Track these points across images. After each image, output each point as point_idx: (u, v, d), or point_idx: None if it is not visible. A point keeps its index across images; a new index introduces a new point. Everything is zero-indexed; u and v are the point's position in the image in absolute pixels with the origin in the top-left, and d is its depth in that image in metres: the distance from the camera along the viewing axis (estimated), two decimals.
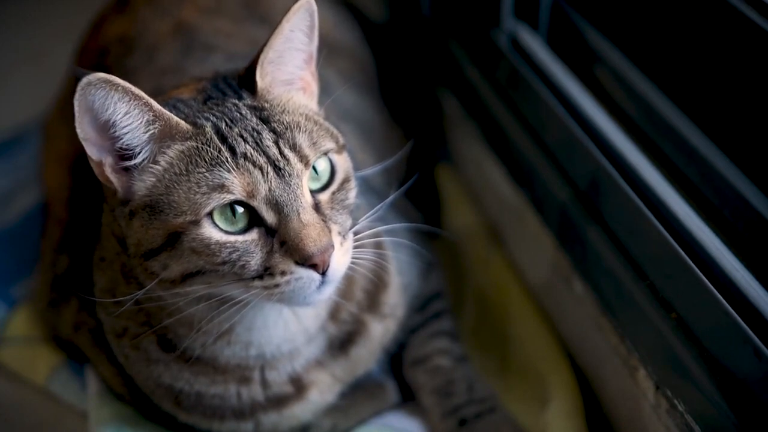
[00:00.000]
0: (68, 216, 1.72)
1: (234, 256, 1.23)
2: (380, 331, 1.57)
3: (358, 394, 1.62)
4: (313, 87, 1.39)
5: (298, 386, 1.50)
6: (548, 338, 1.73)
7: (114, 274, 1.41)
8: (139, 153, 1.25)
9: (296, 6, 1.29)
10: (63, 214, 1.74)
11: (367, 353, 1.56)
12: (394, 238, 1.57)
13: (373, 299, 1.55)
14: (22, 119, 2.36)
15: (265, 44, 1.30)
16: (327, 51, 1.94)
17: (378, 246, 1.50)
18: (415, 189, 1.77)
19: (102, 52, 1.84)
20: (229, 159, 1.22)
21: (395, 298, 1.59)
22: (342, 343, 1.53)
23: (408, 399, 1.68)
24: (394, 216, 1.61)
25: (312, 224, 1.23)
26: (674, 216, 1.44)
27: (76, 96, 1.18)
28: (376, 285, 1.55)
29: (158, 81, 1.64)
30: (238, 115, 1.27)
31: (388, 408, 1.66)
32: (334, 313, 1.50)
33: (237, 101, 1.30)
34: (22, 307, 1.86)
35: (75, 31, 2.01)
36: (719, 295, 1.31)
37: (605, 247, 1.53)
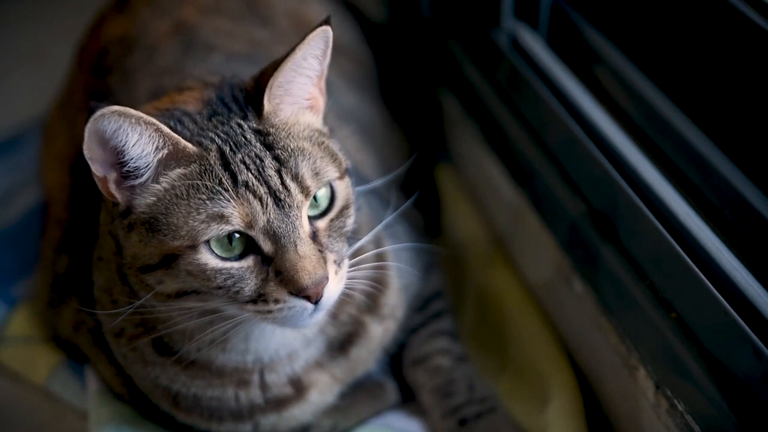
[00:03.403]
0: (68, 216, 1.72)
1: (229, 282, 1.24)
2: (380, 332, 1.57)
3: (358, 394, 1.62)
4: (320, 103, 1.37)
5: (298, 387, 1.50)
6: (548, 338, 1.73)
7: (111, 274, 1.41)
8: (145, 174, 1.25)
9: (312, 34, 1.27)
10: (63, 214, 1.74)
11: (367, 354, 1.56)
12: (394, 238, 1.57)
13: (372, 301, 1.55)
14: (22, 119, 2.36)
15: (276, 68, 1.27)
16: None
17: (379, 258, 1.49)
18: (415, 189, 1.77)
19: (102, 52, 1.83)
20: (230, 188, 1.22)
21: (395, 299, 1.59)
22: (341, 344, 1.52)
23: (408, 399, 1.68)
24: (394, 218, 1.61)
25: (308, 256, 1.23)
26: (674, 216, 1.44)
27: (88, 125, 1.17)
28: (376, 287, 1.55)
29: (158, 81, 1.63)
30: (243, 139, 1.26)
31: (388, 408, 1.66)
32: (333, 316, 1.50)
33: (242, 121, 1.28)
34: (22, 307, 1.86)
35: (75, 31, 2.01)
36: (719, 295, 1.31)
37: (605, 246, 1.53)
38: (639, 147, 1.58)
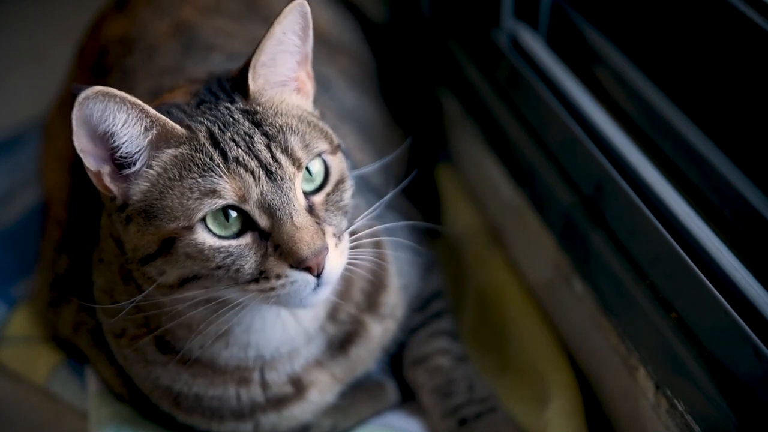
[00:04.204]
0: (68, 216, 1.73)
1: (228, 260, 1.23)
2: (379, 331, 1.57)
3: (358, 394, 1.62)
4: (308, 87, 1.38)
5: (298, 386, 1.50)
6: (548, 338, 1.73)
7: (112, 275, 1.42)
8: (138, 160, 1.25)
9: (288, 8, 1.28)
10: (63, 214, 1.75)
11: (367, 353, 1.56)
12: (394, 237, 1.57)
13: (372, 300, 1.55)
14: (22, 119, 2.36)
15: (257, 47, 1.29)
16: (327, 50, 1.94)
17: (377, 245, 1.49)
18: (415, 189, 1.76)
19: (102, 52, 1.84)
20: (220, 164, 1.22)
21: (394, 299, 1.59)
22: (341, 343, 1.52)
23: (408, 399, 1.68)
24: (394, 216, 1.61)
25: (305, 227, 1.23)
26: (674, 216, 1.44)
27: (74, 111, 1.18)
28: (375, 286, 1.55)
29: (158, 81, 1.64)
30: (231, 119, 1.27)
31: (388, 408, 1.66)
32: (332, 314, 1.50)
33: (229, 104, 1.29)
34: (22, 307, 1.86)
35: (75, 31, 2.01)
36: (719, 295, 1.31)
37: (605, 246, 1.53)
38: (639, 147, 1.58)
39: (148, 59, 1.74)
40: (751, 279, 1.32)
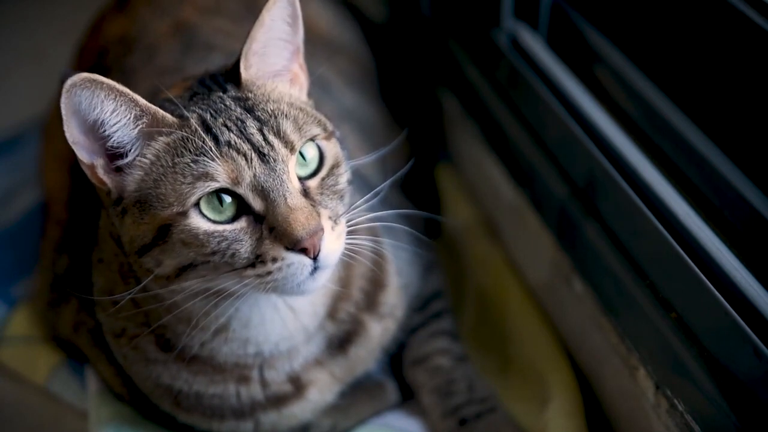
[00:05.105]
0: (68, 216, 1.73)
1: (223, 245, 1.23)
2: (379, 331, 1.57)
3: (358, 393, 1.62)
4: (302, 79, 1.39)
5: (297, 385, 1.50)
6: (548, 338, 1.73)
7: (112, 275, 1.41)
8: (130, 150, 1.26)
9: None
10: (63, 214, 1.75)
11: (366, 353, 1.56)
12: (393, 237, 1.57)
13: (371, 299, 1.55)
14: (22, 119, 2.36)
15: (247, 36, 1.30)
16: (327, 50, 1.94)
17: (374, 234, 1.49)
18: (415, 189, 1.76)
19: (102, 52, 1.84)
20: (212, 148, 1.23)
21: (394, 299, 1.59)
22: (341, 342, 1.52)
23: (408, 399, 1.68)
24: (394, 217, 1.61)
25: (299, 208, 1.23)
26: (674, 216, 1.44)
27: (62, 99, 1.19)
28: (375, 285, 1.55)
29: (158, 81, 1.64)
30: (223, 106, 1.28)
31: (388, 408, 1.66)
32: (332, 313, 1.50)
33: (222, 94, 1.30)
34: (22, 307, 1.86)
35: (75, 31, 2.01)
36: (719, 295, 1.31)
37: (605, 246, 1.53)
38: (639, 147, 1.58)
39: (148, 59, 1.74)
40: (751, 279, 1.32)
